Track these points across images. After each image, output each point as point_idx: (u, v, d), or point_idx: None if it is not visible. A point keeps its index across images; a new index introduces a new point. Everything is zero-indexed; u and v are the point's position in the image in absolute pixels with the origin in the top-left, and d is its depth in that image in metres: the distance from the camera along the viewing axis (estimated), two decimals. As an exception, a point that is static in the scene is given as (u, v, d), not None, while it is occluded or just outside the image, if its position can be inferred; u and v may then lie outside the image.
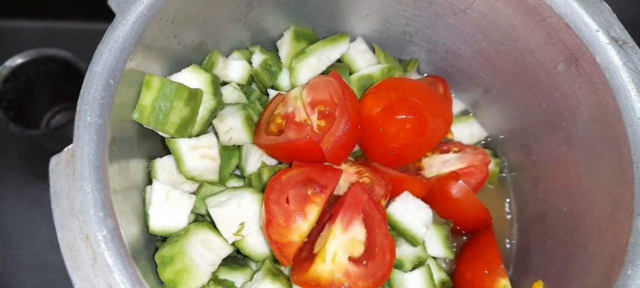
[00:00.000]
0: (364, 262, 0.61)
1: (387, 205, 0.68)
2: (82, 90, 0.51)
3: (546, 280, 0.68)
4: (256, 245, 0.63)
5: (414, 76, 0.87)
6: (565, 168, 0.70)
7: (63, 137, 0.99)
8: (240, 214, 0.60)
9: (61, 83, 1.04)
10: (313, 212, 0.59)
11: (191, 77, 0.64)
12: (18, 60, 0.97)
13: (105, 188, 0.49)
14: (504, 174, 0.86)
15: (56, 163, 0.48)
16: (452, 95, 0.87)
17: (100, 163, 0.49)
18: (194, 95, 0.62)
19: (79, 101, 0.51)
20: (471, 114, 0.88)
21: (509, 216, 0.84)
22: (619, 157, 0.58)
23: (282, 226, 0.57)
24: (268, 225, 0.57)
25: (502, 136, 0.85)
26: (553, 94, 0.69)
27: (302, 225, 0.58)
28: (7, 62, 0.96)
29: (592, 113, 0.63)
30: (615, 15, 0.62)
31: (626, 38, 0.60)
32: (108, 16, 0.58)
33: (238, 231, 0.60)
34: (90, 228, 0.46)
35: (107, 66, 0.52)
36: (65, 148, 0.49)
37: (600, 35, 0.60)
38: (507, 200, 0.84)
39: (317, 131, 0.61)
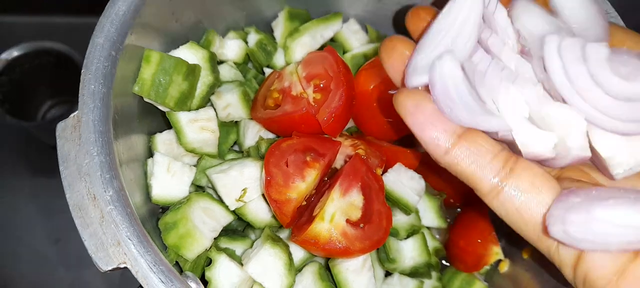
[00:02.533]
0: (361, 225, 0.63)
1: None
2: (85, 61, 0.53)
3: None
4: (257, 211, 0.65)
5: (406, 55, 0.90)
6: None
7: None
8: (243, 180, 0.62)
9: (57, 76, 1.06)
10: (311, 175, 0.62)
11: (189, 54, 0.66)
12: (14, 53, 0.99)
13: (110, 152, 0.51)
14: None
15: (62, 128, 0.50)
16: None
17: (104, 129, 0.51)
18: (192, 70, 0.64)
19: (82, 71, 0.53)
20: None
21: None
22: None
23: (281, 185, 0.59)
24: (267, 186, 0.59)
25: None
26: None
27: (300, 185, 0.60)
28: (2, 55, 0.98)
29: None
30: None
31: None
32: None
33: (240, 197, 0.62)
34: (98, 188, 0.48)
35: (109, 37, 0.54)
36: (71, 115, 0.51)
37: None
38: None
39: (313, 104, 0.63)
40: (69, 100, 1.14)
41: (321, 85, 0.67)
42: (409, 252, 0.70)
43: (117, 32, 0.55)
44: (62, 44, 1.01)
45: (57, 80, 1.08)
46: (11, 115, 0.96)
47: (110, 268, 0.47)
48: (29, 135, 1.11)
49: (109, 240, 0.47)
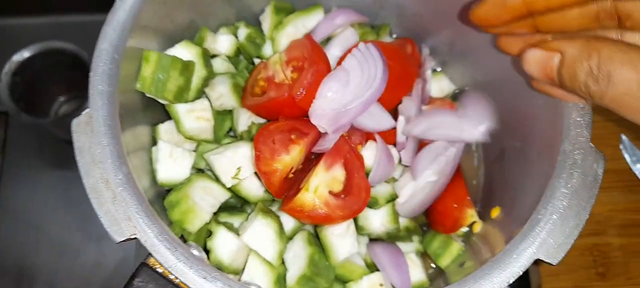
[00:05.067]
0: (343, 196, 0.71)
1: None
2: (92, 64, 0.61)
3: (502, 205, 0.78)
4: (250, 187, 0.73)
5: (386, 39, 0.97)
6: (517, 111, 0.80)
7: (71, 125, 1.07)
8: (237, 159, 0.71)
9: (67, 74, 1.11)
10: (295, 150, 0.70)
11: (184, 51, 0.74)
12: (25, 54, 1.03)
13: (118, 142, 0.59)
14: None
15: (77, 124, 0.59)
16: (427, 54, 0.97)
17: (112, 123, 0.60)
18: (187, 66, 0.72)
19: (90, 73, 0.61)
20: (439, 70, 0.97)
21: (477, 159, 0.94)
22: (553, 93, 0.68)
23: (268, 158, 0.68)
24: (257, 160, 0.67)
25: (467, 88, 0.95)
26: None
27: (285, 158, 0.69)
28: (14, 57, 1.03)
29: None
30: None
31: None
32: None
33: (235, 174, 0.71)
34: (109, 173, 0.57)
35: (111, 43, 0.63)
36: (83, 112, 0.59)
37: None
38: (474, 144, 0.94)
39: (289, 82, 0.71)
40: (80, 96, 1.19)
41: (298, 66, 0.74)
42: (377, 220, 0.77)
43: (118, 37, 0.63)
44: (70, 43, 1.06)
45: (68, 78, 1.13)
46: (27, 113, 1.02)
47: (123, 239, 0.56)
48: (44, 131, 1.16)
49: (121, 215, 0.56)
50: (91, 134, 0.58)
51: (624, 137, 1.04)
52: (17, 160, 1.15)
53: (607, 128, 1.05)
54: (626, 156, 1.03)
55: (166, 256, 0.55)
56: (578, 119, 0.63)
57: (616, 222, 0.99)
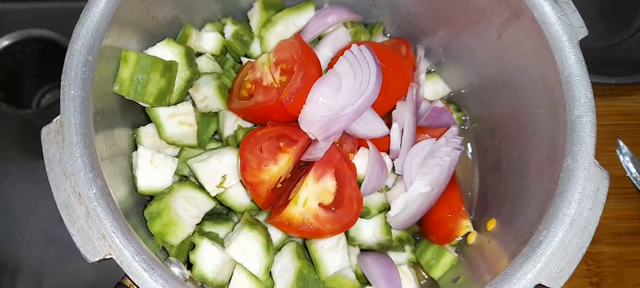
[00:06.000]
0: (333, 209, 0.68)
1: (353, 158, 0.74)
2: (64, 67, 0.57)
3: (499, 218, 0.76)
4: (237, 196, 0.70)
5: (380, 38, 0.93)
6: (515, 118, 0.77)
7: (54, 115, 1.03)
8: (222, 168, 0.67)
9: (48, 63, 1.06)
10: (284, 159, 0.66)
11: (166, 50, 0.70)
12: (4, 42, 0.99)
13: (92, 153, 0.55)
14: (466, 127, 0.92)
15: (47, 132, 0.54)
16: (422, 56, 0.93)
17: (86, 131, 0.55)
18: (169, 67, 0.68)
19: (62, 77, 0.56)
20: (434, 71, 0.93)
21: (472, 167, 0.91)
22: (555, 104, 0.65)
23: (255, 168, 0.64)
24: (242, 170, 0.63)
25: (463, 91, 0.91)
26: (501, 48, 0.75)
27: (273, 168, 0.65)
28: None
29: (534, 65, 0.69)
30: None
31: (560, -6, 0.66)
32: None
33: (220, 183, 0.67)
34: (82, 187, 0.53)
35: (85, 44, 0.58)
36: (54, 119, 0.55)
37: (537, -9, 0.66)
38: (469, 150, 0.91)
39: (278, 86, 0.67)
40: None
41: (287, 69, 0.70)
42: (368, 231, 0.74)
43: (93, 37, 0.58)
44: (51, 30, 1.01)
45: (50, 67, 1.07)
46: (7, 104, 0.98)
47: (97, 259, 0.51)
48: (27, 122, 1.12)
49: (95, 234, 0.52)
50: (62, 143, 0.54)
51: (621, 143, 1.02)
52: (0, 151, 1.11)
53: (603, 133, 1.03)
54: (623, 162, 1.01)
55: (144, 278, 0.51)
56: (582, 134, 0.60)
57: (610, 230, 0.97)
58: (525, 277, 0.53)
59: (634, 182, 0.99)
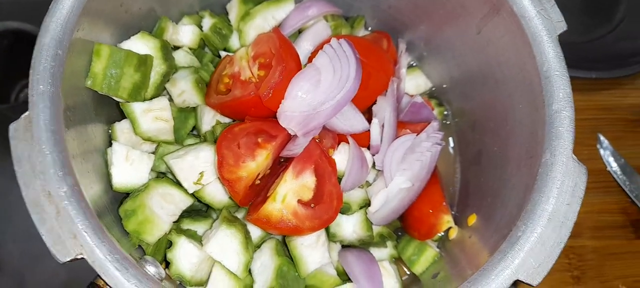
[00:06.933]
0: (312, 205, 0.67)
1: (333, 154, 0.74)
2: (32, 62, 0.55)
3: (479, 213, 0.75)
4: (215, 193, 0.68)
5: (361, 32, 0.92)
6: (495, 112, 0.77)
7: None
8: (199, 164, 0.66)
9: (26, 56, 1.02)
10: (262, 155, 0.65)
11: (140, 44, 0.68)
12: None
13: (63, 150, 0.53)
14: (448, 122, 0.92)
15: (15, 129, 0.52)
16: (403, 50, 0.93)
17: (56, 127, 0.54)
18: (144, 61, 0.66)
19: (30, 71, 0.54)
20: (415, 65, 0.93)
21: (453, 161, 0.91)
22: (534, 98, 0.64)
23: (232, 165, 0.63)
24: (219, 166, 0.62)
25: (444, 85, 0.91)
26: (482, 43, 0.75)
27: (250, 164, 0.64)
28: None
29: (514, 59, 0.69)
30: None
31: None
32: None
33: (198, 180, 0.65)
34: (52, 185, 0.51)
35: (54, 37, 0.56)
36: (22, 116, 0.53)
37: (516, -15, 0.65)
38: (451, 145, 0.91)
39: (256, 80, 0.66)
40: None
41: (265, 63, 0.69)
42: (349, 227, 0.74)
43: (62, 30, 0.57)
44: (28, 23, 0.98)
45: (26, 60, 1.04)
46: None
47: (68, 259, 0.50)
48: (5, 117, 1.08)
49: (66, 233, 0.50)
50: (31, 140, 0.52)
51: (601, 137, 1.02)
52: (-23, 148, 1.09)
53: (584, 127, 1.04)
54: (603, 157, 1.01)
55: (116, 277, 0.50)
56: (560, 128, 0.60)
57: (591, 223, 0.98)
58: (503, 273, 0.53)
59: (614, 176, 1.00)
